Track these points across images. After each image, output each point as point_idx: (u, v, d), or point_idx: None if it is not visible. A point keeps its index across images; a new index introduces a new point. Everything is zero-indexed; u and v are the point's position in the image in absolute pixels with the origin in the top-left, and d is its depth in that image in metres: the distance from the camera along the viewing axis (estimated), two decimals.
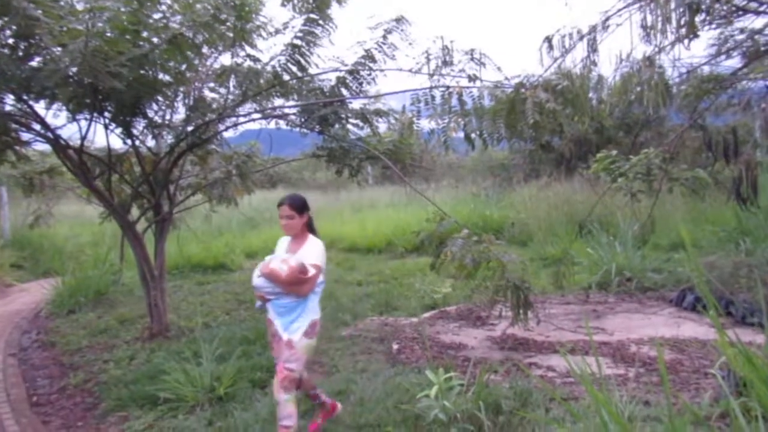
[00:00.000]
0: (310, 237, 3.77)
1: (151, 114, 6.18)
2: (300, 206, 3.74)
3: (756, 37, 7.50)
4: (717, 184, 10.40)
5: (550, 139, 16.61)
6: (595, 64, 6.15)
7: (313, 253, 3.64)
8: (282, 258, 3.60)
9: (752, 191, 7.10)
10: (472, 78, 5.39)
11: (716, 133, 9.11)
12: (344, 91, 6.24)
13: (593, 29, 6.06)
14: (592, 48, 6.09)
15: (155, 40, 4.97)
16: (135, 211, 7.62)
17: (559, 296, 7.60)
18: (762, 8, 6.55)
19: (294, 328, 3.58)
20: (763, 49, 7.47)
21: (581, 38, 6.09)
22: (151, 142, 7.04)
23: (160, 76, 5.53)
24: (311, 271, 3.54)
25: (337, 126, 6.42)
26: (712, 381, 4.26)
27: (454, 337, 6.00)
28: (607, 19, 5.94)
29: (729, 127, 9.43)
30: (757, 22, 7.17)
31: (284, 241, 3.88)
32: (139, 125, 6.35)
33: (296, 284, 3.52)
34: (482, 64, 5.35)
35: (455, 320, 6.70)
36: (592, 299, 7.43)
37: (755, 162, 7.30)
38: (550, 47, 6.21)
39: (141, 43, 4.96)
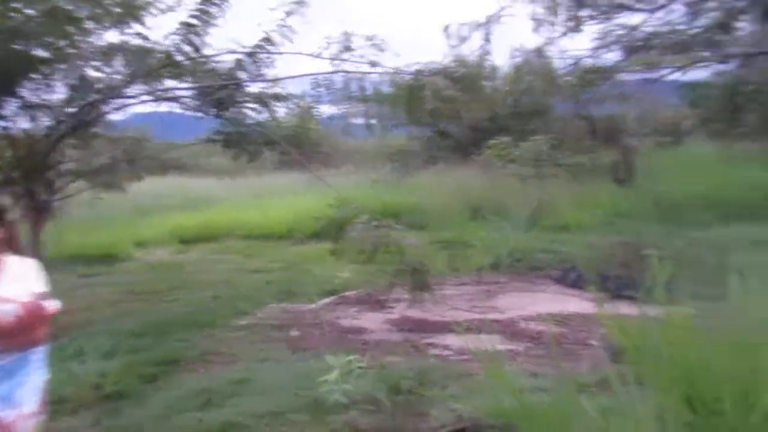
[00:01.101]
0: (15, 257, 2.56)
1: (25, 93, 5.68)
2: None
3: (633, 32, 8.13)
4: (596, 169, 11.17)
5: (447, 125, 17.04)
6: (489, 53, 6.41)
7: (37, 277, 2.53)
8: None
9: (629, 174, 7.73)
10: (372, 64, 5.42)
11: (599, 121, 9.78)
12: (242, 74, 6.05)
13: (489, 19, 6.30)
14: (487, 38, 6.34)
15: (29, 11, 4.57)
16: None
17: (455, 278, 7.86)
18: (638, 5, 7.11)
19: (19, 398, 2.43)
20: (639, 44, 8.10)
21: (477, 28, 6.32)
22: (26, 124, 6.48)
23: (36, 51, 5.09)
24: (53, 304, 2.50)
25: (233, 109, 6.23)
26: (592, 351, 4.60)
27: (354, 322, 6.05)
28: (502, 9, 6.20)
29: (609, 116, 10.15)
30: (634, 19, 7.79)
31: None
32: (11, 105, 5.82)
33: (32, 329, 2.47)
34: (382, 51, 5.39)
35: (355, 305, 6.75)
36: (485, 280, 7.74)
37: (632, 148, 7.94)
38: (448, 36, 6.38)
39: (12, 14, 4.54)
